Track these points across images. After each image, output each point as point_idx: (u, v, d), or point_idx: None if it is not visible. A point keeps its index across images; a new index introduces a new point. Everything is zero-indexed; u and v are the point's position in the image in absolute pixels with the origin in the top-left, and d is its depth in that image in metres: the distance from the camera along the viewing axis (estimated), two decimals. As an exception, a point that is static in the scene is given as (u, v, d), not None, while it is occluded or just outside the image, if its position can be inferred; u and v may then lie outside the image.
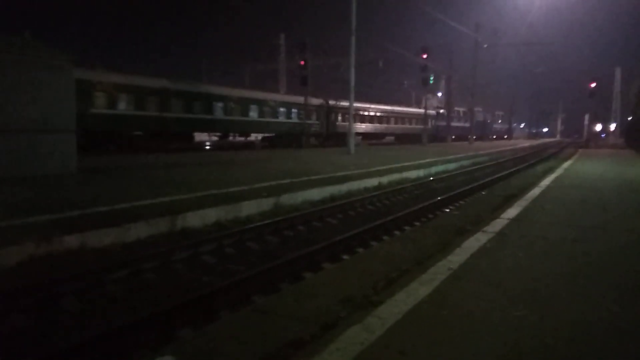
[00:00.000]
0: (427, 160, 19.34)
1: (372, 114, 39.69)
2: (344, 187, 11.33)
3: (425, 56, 31.64)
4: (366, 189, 11.94)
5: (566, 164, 17.14)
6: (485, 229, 5.60)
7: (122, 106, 21.47)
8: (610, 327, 2.90)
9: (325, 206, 9.25)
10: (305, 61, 26.65)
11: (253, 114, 28.02)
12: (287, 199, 9.36)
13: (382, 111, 40.99)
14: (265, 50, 50.98)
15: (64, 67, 11.53)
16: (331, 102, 34.55)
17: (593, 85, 37.76)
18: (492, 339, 2.70)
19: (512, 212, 6.79)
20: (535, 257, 4.39)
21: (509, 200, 8.02)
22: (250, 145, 29.22)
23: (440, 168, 17.86)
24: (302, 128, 31.07)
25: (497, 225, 5.83)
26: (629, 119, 46.76)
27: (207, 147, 28.66)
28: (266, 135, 30.21)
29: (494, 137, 66.42)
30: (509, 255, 4.48)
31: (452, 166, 19.22)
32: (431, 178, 14.97)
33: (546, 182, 10.88)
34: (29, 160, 10.73)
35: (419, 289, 3.49)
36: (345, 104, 33.85)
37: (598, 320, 2.99)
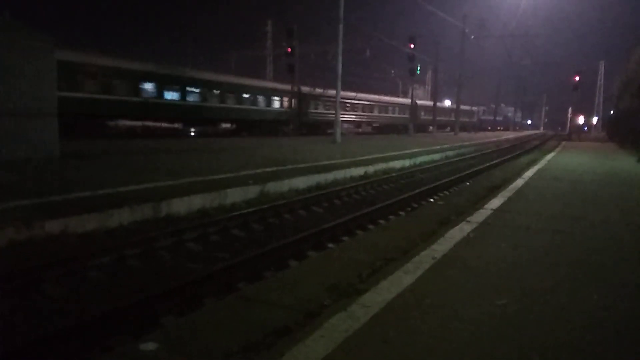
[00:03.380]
0: (413, 150, 19.42)
1: (447, 110, 56.90)
2: (330, 176, 11.33)
3: (412, 46, 31.62)
4: (352, 178, 11.96)
5: (549, 156, 17.36)
6: (469, 219, 5.65)
7: (322, 109, 35.42)
8: (591, 317, 2.95)
9: (312, 194, 9.25)
10: (292, 48, 26.44)
11: (380, 113, 44.35)
12: (273, 186, 9.33)
13: (452, 109, 55.65)
14: (252, 36, 50.72)
15: (46, 49, 11.27)
16: (418, 102, 47.93)
17: (577, 78, 38.08)
18: (474, 327, 2.73)
19: (495, 202, 6.86)
20: (518, 248, 4.44)
21: (492, 191, 8.10)
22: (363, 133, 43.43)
23: (425, 158, 17.95)
24: (402, 120, 46.06)
25: (481, 215, 5.89)
26: (611, 112, 47.41)
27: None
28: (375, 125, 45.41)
29: (501, 128, 78.39)
30: (492, 245, 4.53)
31: (437, 157, 19.33)
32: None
33: (529, 173, 11.01)
34: (9, 144, 10.51)
35: (403, 278, 3.51)
36: (426, 103, 52.17)
37: (579, 309, 3.04)
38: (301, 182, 10.24)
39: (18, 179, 8.19)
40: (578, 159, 16.57)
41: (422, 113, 50.61)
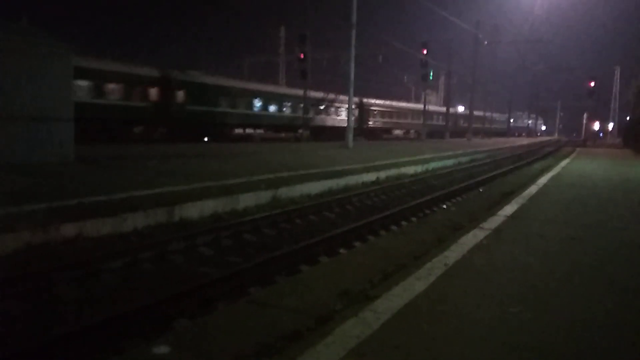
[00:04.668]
0: (425, 156, 19.33)
1: (494, 120, 67.56)
2: (342, 182, 11.33)
3: (425, 52, 31.58)
4: (364, 184, 11.94)
5: (564, 163, 17.16)
6: (481, 225, 5.60)
7: (379, 117, 42.22)
8: (606, 325, 2.91)
9: (323, 200, 9.25)
10: (304, 54, 26.51)
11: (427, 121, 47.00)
12: (285, 192, 9.35)
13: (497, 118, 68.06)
14: (265, 42, 51.26)
15: (63, 55, 11.44)
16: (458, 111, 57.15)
17: (592, 84, 37.73)
18: (486, 334, 2.71)
19: (509, 209, 6.79)
20: (532, 254, 4.40)
21: (506, 197, 8.03)
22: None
23: (438, 164, 17.87)
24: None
25: (494, 222, 5.84)
26: (627, 118, 46.76)
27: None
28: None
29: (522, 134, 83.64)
30: (505, 251, 4.49)
31: (450, 162, 19.23)
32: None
33: (543, 180, 10.89)
34: (26, 148, 10.67)
35: (415, 284, 3.50)
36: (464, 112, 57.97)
37: (593, 318, 3.00)
38: (313, 188, 10.25)
39: (34, 182, 8.30)
40: (593, 165, 16.36)
41: (462, 121, 56.15)
